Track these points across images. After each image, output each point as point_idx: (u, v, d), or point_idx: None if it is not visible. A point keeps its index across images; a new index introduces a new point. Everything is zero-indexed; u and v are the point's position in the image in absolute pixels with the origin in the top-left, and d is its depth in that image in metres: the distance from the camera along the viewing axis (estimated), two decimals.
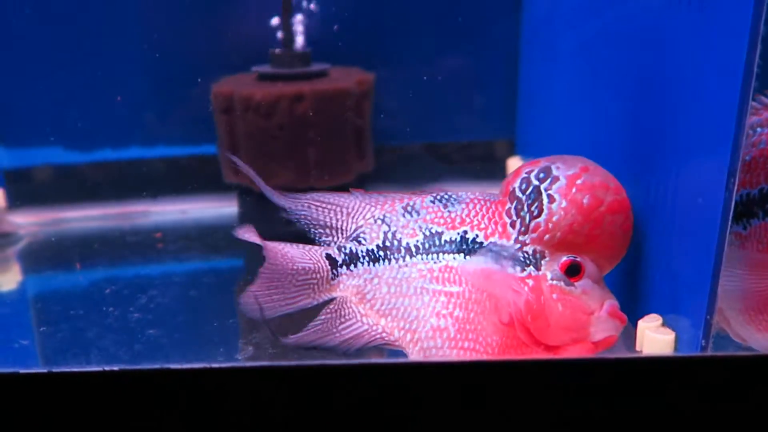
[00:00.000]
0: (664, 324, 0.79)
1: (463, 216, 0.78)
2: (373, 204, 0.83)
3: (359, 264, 0.80)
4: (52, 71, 1.46)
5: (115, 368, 0.65)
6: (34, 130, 1.51)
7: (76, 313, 1.03)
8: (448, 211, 0.78)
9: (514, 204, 0.75)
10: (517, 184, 0.75)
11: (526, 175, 0.76)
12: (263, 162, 1.28)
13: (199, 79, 1.43)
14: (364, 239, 0.80)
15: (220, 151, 1.41)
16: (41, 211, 1.52)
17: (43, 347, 0.94)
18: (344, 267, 0.81)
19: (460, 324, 0.75)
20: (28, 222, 1.47)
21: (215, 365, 0.64)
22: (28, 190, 1.49)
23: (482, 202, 0.79)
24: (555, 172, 0.73)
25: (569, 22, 1.22)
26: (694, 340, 0.73)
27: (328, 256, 0.82)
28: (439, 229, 0.78)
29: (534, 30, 1.45)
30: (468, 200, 0.80)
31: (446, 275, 0.76)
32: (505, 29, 1.50)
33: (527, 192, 0.74)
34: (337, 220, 0.83)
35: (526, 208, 0.73)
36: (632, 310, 0.84)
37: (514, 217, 0.74)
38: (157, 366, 0.64)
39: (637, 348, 0.81)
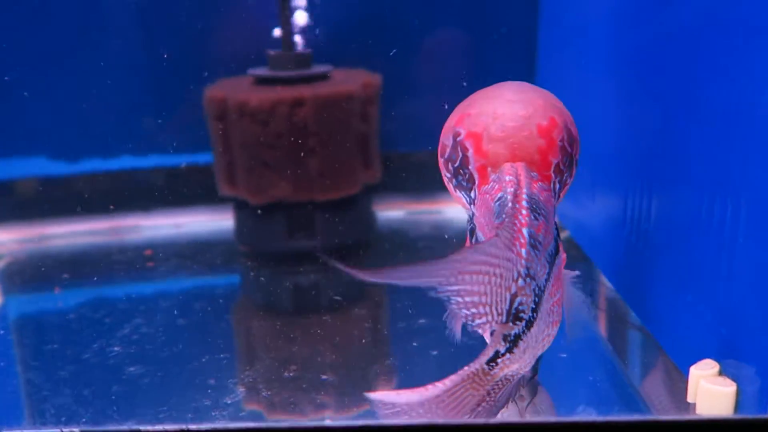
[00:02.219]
0: (721, 372, 0.68)
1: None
2: (514, 253, 0.58)
3: (520, 343, 0.60)
4: (34, 74, 1.37)
5: (76, 430, 0.54)
6: (16, 138, 1.41)
7: (51, 348, 0.93)
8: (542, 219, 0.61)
9: None
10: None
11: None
12: (260, 173, 1.17)
13: (191, 83, 1.34)
14: (523, 310, 0.59)
15: (215, 161, 1.30)
16: (23, 227, 1.41)
17: (11, 387, 0.84)
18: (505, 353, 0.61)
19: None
20: (8, 239, 1.37)
21: (192, 427, 0.53)
22: (8, 205, 1.39)
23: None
24: None
25: (596, 29, 1.11)
26: (762, 395, 0.62)
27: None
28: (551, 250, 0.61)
29: (553, 36, 1.34)
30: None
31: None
32: (523, 32, 1.40)
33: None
34: (493, 293, 0.58)
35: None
36: (683, 353, 0.74)
37: None
38: (124, 428, 0.54)
39: (689, 400, 0.70)
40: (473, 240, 0.67)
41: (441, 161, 0.69)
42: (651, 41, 0.91)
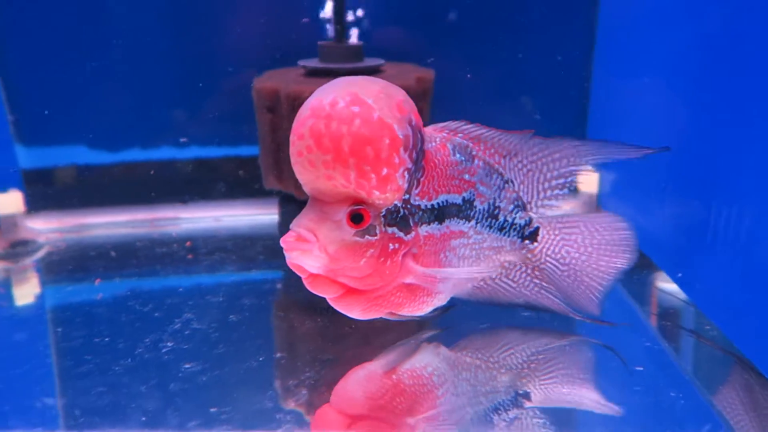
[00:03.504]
0: None
1: None
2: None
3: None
4: (75, 64, 1.34)
5: None
6: (56, 127, 1.39)
7: (102, 341, 0.90)
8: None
9: None
10: None
11: None
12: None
13: (237, 74, 1.31)
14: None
15: (261, 153, 1.27)
16: (62, 217, 1.39)
17: (63, 382, 0.82)
18: None
19: None
20: (48, 228, 1.35)
21: None
22: (48, 194, 1.37)
23: None
24: None
25: (662, 28, 1.07)
26: None
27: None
28: None
29: (614, 33, 1.29)
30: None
31: None
32: (580, 29, 1.35)
33: None
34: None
35: None
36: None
37: None
38: None
39: None
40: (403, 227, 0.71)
41: (400, 155, 0.66)
42: (720, 48, 0.87)
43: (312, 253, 0.66)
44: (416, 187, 0.70)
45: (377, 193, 0.66)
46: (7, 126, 1.31)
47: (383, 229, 0.68)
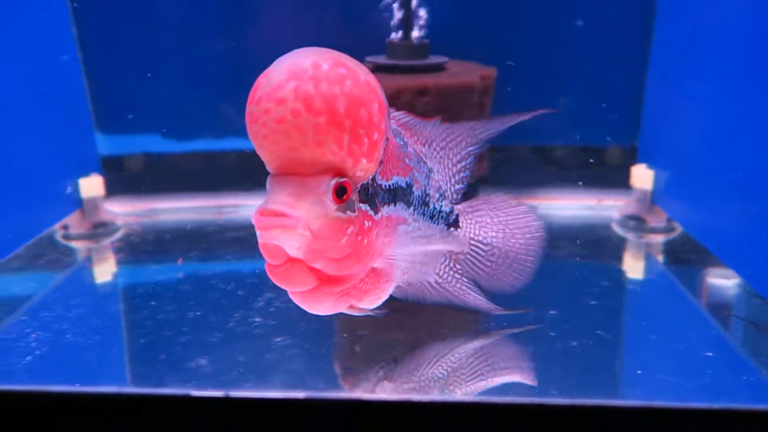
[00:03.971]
0: None
1: None
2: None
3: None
4: (151, 57, 1.42)
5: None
6: (132, 117, 1.47)
7: (195, 314, 0.98)
8: None
9: None
10: None
11: None
12: None
13: None
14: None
15: None
16: (136, 201, 1.48)
17: (168, 349, 0.89)
18: None
19: None
20: (124, 212, 1.44)
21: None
22: (123, 179, 1.46)
23: None
24: None
25: (722, 27, 1.10)
26: None
27: None
28: None
29: (672, 32, 1.33)
30: None
31: None
32: (636, 30, 1.39)
33: None
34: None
35: None
36: None
37: None
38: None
39: None
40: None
41: (386, 121, 0.63)
42: None
43: (296, 231, 0.59)
44: (379, 165, 0.66)
45: (364, 161, 0.61)
46: (89, 115, 1.40)
47: (358, 205, 0.64)
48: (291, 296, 0.67)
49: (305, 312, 0.96)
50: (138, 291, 1.09)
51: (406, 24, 1.25)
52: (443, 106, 1.18)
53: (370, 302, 0.73)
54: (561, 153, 1.48)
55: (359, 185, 0.64)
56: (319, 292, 0.65)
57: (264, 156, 0.61)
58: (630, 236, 1.33)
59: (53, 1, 1.30)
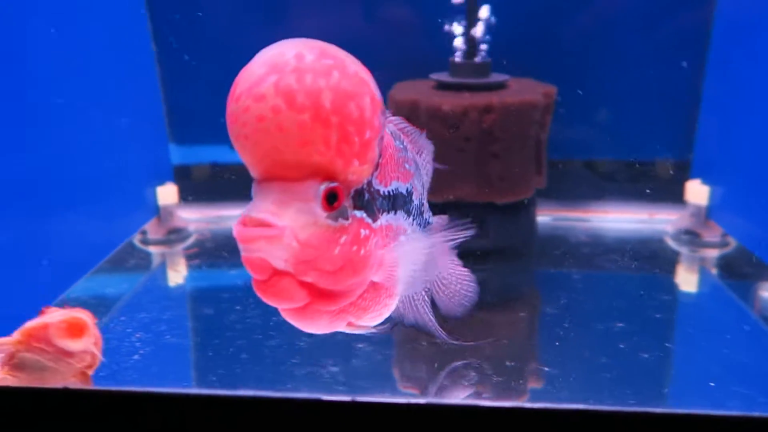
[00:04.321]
0: None
1: None
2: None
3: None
4: (221, 72, 1.49)
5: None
6: (202, 129, 1.55)
7: (277, 320, 1.04)
8: None
9: None
10: None
11: None
12: (443, 173, 1.26)
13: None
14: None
15: None
16: (204, 208, 1.56)
17: (256, 353, 0.96)
18: None
19: None
20: (195, 218, 1.52)
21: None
22: (192, 187, 1.54)
23: None
24: None
25: None
26: None
27: None
28: None
29: (729, 47, 1.36)
30: None
31: None
32: (692, 45, 1.43)
33: None
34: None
35: None
36: None
37: None
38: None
39: None
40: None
41: (379, 117, 0.56)
42: None
43: (282, 241, 0.53)
44: (376, 169, 0.60)
45: (356, 162, 0.55)
46: (164, 127, 1.48)
47: (353, 212, 0.57)
48: (283, 314, 0.61)
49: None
50: (223, 296, 1.16)
51: (470, 43, 1.30)
52: (507, 123, 1.23)
53: (372, 319, 0.67)
54: (613, 167, 1.52)
55: (353, 190, 0.57)
56: (313, 308, 0.59)
57: (246, 159, 0.55)
58: (684, 250, 1.37)
59: (134, 23, 1.39)
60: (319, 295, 0.57)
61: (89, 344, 0.60)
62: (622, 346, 0.94)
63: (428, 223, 0.75)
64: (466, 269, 0.78)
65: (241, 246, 0.54)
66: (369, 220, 0.59)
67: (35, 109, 1.06)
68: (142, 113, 1.40)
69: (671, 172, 1.50)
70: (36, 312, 0.68)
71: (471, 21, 1.30)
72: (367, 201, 0.59)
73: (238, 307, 1.09)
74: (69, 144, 1.14)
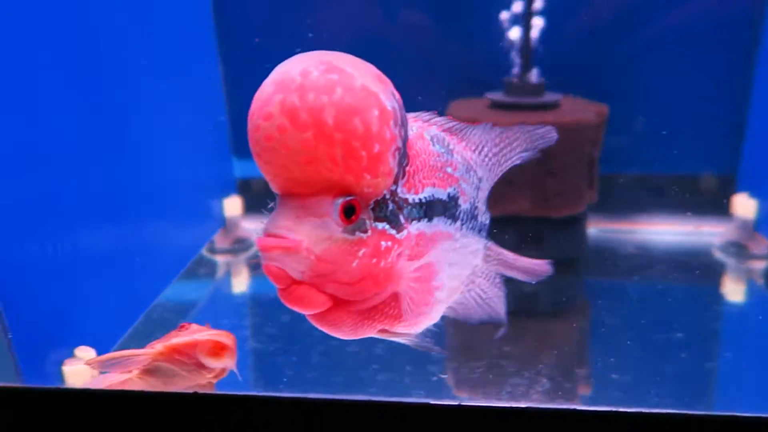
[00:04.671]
0: None
1: None
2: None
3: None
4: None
5: None
6: None
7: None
8: None
9: None
10: None
11: None
12: (501, 189, 1.31)
13: (427, 102, 1.50)
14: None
15: None
16: (262, 218, 1.63)
17: (335, 360, 1.02)
18: None
19: None
20: (258, 228, 1.58)
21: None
22: (257, 199, 1.61)
23: None
24: None
25: None
26: None
27: None
28: None
29: None
30: None
31: None
32: (739, 62, 1.47)
33: None
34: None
35: None
36: None
37: None
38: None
39: None
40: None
41: (391, 129, 0.55)
42: None
43: (298, 253, 0.55)
44: (402, 177, 0.60)
45: (368, 176, 0.55)
46: (227, 142, 1.56)
47: (373, 224, 0.58)
48: (309, 319, 0.62)
49: (457, 325, 1.08)
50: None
51: (525, 64, 1.36)
52: (563, 142, 1.27)
53: (409, 327, 0.66)
54: (660, 181, 1.57)
55: (372, 202, 0.57)
56: (334, 314, 0.60)
57: (265, 176, 0.58)
58: (731, 262, 1.41)
59: (203, 45, 1.47)
60: (340, 302, 0.59)
61: (229, 363, 0.65)
62: (683, 355, 0.99)
63: (485, 224, 0.75)
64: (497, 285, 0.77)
65: (260, 255, 0.56)
66: (392, 231, 0.59)
67: (124, 127, 1.14)
68: (211, 130, 1.48)
69: (716, 185, 1.54)
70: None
71: (527, 42, 1.36)
72: (391, 211, 0.59)
73: None
74: (151, 159, 1.22)
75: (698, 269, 1.38)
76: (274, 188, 0.58)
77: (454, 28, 1.49)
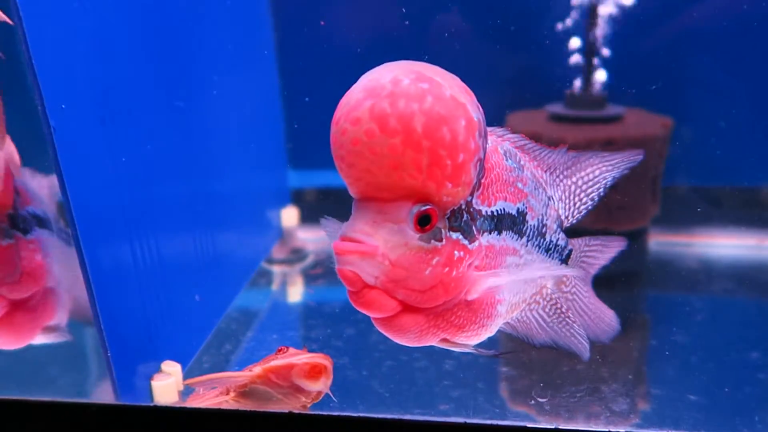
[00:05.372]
0: None
1: None
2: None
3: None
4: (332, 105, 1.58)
5: None
6: (314, 155, 1.64)
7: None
8: None
9: None
10: None
11: None
12: None
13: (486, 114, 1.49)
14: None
15: None
16: (317, 229, 1.65)
17: (408, 376, 1.02)
18: None
19: None
20: (313, 238, 1.61)
21: None
22: (312, 209, 1.63)
23: None
24: None
25: None
26: None
27: None
28: None
29: None
30: None
31: None
32: None
33: None
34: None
35: None
36: None
37: None
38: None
39: None
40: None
41: (476, 140, 0.57)
42: None
43: (374, 258, 0.56)
44: (477, 189, 0.61)
45: (449, 185, 0.56)
46: (285, 154, 1.58)
47: (448, 233, 0.59)
48: (375, 323, 0.65)
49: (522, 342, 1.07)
50: (359, 316, 1.24)
51: (587, 76, 1.35)
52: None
53: (469, 338, 0.67)
54: (720, 193, 1.54)
55: (448, 211, 0.59)
56: (403, 319, 0.61)
57: (345, 179, 0.59)
58: None
59: (264, 56, 1.49)
60: (409, 307, 0.60)
61: (326, 385, 0.66)
62: (761, 376, 0.97)
63: (556, 245, 0.77)
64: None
65: (336, 258, 0.58)
66: (465, 242, 0.60)
67: (201, 137, 1.15)
68: (271, 142, 1.50)
69: None
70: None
71: (590, 52, 1.35)
72: (465, 222, 0.60)
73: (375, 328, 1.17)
74: (223, 170, 1.24)
75: (766, 285, 1.35)
76: (353, 193, 0.59)
77: (513, 37, 1.48)
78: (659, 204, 1.39)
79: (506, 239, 0.66)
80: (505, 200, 0.66)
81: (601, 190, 0.82)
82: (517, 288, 0.70)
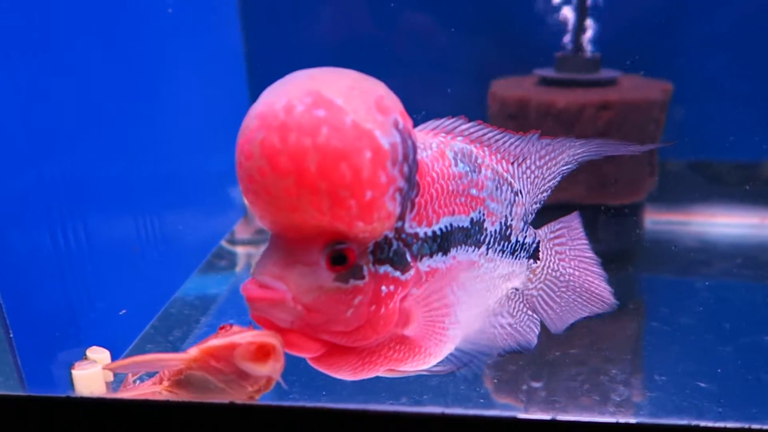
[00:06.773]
0: None
1: None
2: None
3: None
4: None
5: None
6: None
7: None
8: None
9: None
10: None
11: None
12: None
13: (472, 80, 1.37)
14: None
15: None
16: None
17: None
18: None
19: None
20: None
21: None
22: None
23: None
24: None
25: None
26: None
27: None
28: None
29: None
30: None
31: None
32: None
33: None
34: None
35: None
36: None
37: None
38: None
39: None
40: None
41: (387, 172, 0.49)
42: None
43: (284, 305, 0.51)
44: (411, 211, 0.54)
45: (361, 224, 0.49)
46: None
47: (372, 268, 0.52)
48: (310, 363, 0.58)
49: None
50: None
51: (578, 38, 1.24)
52: (625, 122, 1.16)
53: (417, 366, 0.62)
54: (721, 169, 1.44)
55: (371, 244, 0.52)
56: (331, 359, 0.57)
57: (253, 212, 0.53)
58: None
59: (228, 34, 1.36)
60: (337, 347, 0.55)
61: (275, 370, 0.52)
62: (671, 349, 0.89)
63: (522, 244, 0.68)
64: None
65: (248, 304, 0.52)
66: (396, 273, 0.54)
67: (144, 112, 1.03)
68: (235, 118, 1.36)
69: None
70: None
71: (582, 12, 1.24)
72: (395, 251, 0.54)
73: None
74: (172, 147, 1.12)
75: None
76: (264, 225, 0.52)
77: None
78: (656, 178, 1.29)
79: (458, 256, 0.60)
80: (453, 214, 0.59)
81: (557, 179, 0.71)
82: (476, 302, 0.63)
